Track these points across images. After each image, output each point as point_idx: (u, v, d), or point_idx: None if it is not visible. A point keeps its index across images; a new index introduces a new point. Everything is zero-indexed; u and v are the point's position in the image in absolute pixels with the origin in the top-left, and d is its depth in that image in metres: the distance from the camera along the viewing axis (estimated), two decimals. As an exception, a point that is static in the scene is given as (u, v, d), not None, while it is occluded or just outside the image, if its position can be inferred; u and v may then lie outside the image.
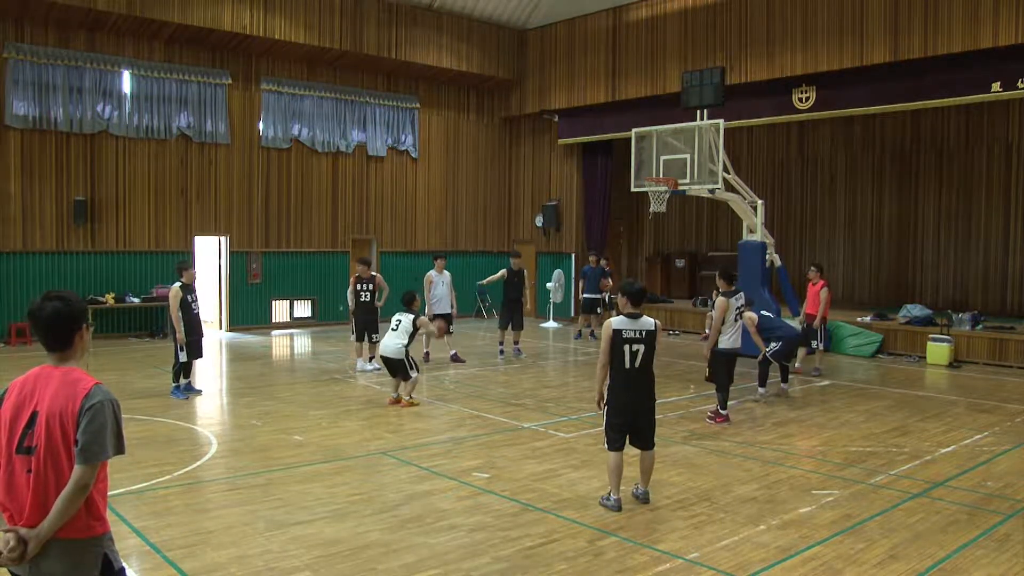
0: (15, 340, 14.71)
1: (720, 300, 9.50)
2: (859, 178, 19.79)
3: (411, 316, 10.19)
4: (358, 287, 12.63)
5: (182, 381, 10.47)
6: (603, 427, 6.41)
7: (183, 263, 10.71)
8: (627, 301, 6.44)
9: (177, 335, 10.23)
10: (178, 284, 10.35)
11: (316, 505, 6.24)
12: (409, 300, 10.43)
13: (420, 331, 10.34)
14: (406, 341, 10.02)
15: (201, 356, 10.86)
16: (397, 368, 10.05)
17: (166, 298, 16.20)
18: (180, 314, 10.23)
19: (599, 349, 6.46)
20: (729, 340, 9.45)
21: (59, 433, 2.91)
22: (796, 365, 12.84)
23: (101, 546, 3.02)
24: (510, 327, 14.34)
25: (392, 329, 10.16)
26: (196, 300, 10.65)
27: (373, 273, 12.85)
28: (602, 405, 6.41)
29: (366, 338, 12.60)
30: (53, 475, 2.92)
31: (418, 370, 10.24)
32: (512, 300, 14.33)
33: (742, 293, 9.89)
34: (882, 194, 19.46)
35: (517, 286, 14.39)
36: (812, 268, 13.18)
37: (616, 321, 6.32)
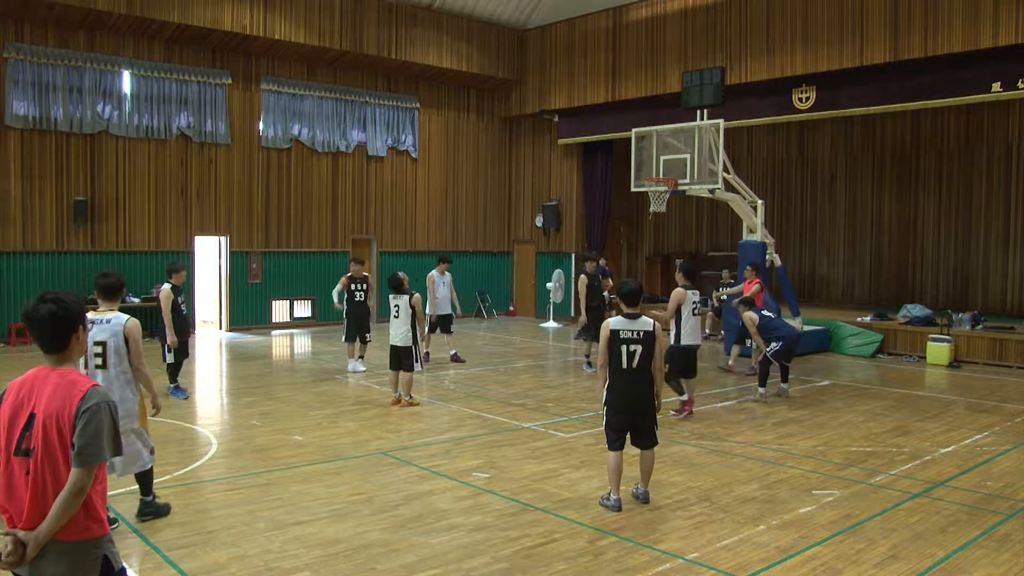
0: (15, 340, 14.72)
1: (677, 290, 9.59)
2: (859, 178, 19.80)
3: (406, 297, 9.98)
4: (352, 287, 12.54)
5: (168, 385, 10.41)
6: (603, 427, 6.40)
7: (173, 264, 10.66)
8: (621, 301, 6.44)
9: (169, 337, 10.15)
10: (169, 285, 10.26)
11: (316, 505, 6.24)
12: (397, 284, 10.10)
13: (416, 311, 9.94)
14: (410, 326, 9.90)
15: (187, 356, 10.79)
16: (403, 357, 9.93)
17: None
18: (172, 315, 10.16)
19: (597, 350, 6.42)
20: (688, 336, 9.55)
21: (56, 435, 2.91)
22: (730, 363, 12.94)
23: (100, 548, 3.02)
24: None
25: (395, 316, 10.02)
26: (184, 301, 10.60)
27: (366, 273, 12.76)
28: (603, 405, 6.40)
29: (359, 339, 12.51)
30: (51, 477, 2.91)
31: (423, 366, 10.17)
32: (593, 308, 12.68)
33: (698, 292, 9.94)
34: (882, 194, 19.47)
35: (597, 291, 12.89)
36: (748, 267, 13.22)
37: (613, 322, 6.30)
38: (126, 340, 5.67)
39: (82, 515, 2.93)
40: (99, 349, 5.65)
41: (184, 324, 10.50)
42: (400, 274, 10.21)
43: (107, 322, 5.70)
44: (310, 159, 18.51)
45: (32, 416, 2.95)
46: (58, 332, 3.03)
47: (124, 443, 5.56)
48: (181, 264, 10.80)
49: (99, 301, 5.87)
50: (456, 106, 21.10)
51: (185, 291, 16.37)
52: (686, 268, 10.00)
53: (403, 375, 10.05)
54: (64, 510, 2.87)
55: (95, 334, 5.66)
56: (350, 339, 12.58)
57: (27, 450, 2.93)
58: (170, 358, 10.29)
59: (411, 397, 10.08)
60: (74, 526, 2.92)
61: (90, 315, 5.67)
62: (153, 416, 5.97)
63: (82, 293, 15.52)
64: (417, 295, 10.02)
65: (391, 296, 10.09)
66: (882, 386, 12.05)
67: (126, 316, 5.75)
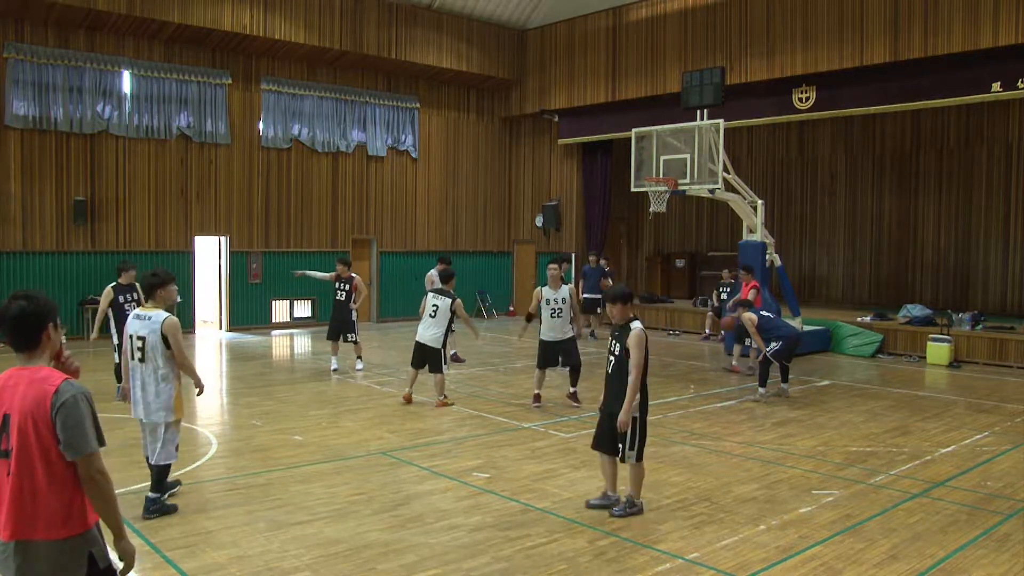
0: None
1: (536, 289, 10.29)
2: (859, 178, 19.80)
3: (448, 300, 9.74)
4: (336, 285, 12.52)
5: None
6: (635, 438, 5.98)
7: (123, 263, 10.33)
8: (630, 307, 6.17)
9: (93, 334, 9.99)
10: (111, 285, 9.90)
11: (316, 505, 6.24)
12: (447, 277, 10.00)
13: (457, 316, 9.78)
14: (444, 329, 9.73)
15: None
16: (430, 358, 9.76)
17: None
18: (110, 312, 9.79)
19: (639, 358, 5.90)
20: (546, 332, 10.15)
21: (32, 434, 2.88)
22: (733, 363, 12.95)
23: (84, 545, 2.99)
24: None
25: (430, 315, 9.78)
26: (131, 301, 9.93)
27: (353, 274, 12.69)
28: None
29: (340, 339, 12.39)
30: (28, 478, 2.88)
31: (448, 366, 10.10)
32: None
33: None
34: (882, 194, 19.47)
35: None
36: (742, 271, 13.15)
37: (642, 326, 6.09)
38: (164, 338, 5.98)
39: (64, 512, 2.91)
40: (140, 344, 6.03)
41: (120, 325, 9.80)
42: (454, 272, 10.30)
43: (148, 319, 6.05)
44: (310, 159, 18.51)
45: (6, 417, 2.92)
46: (29, 329, 3.01)
47: (155, 435, 6.06)
48: (130, 263, 10.36)
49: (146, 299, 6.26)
50: (456, 106, 21.10)
51: (182, 291, 16.57)
52: (559, 260, 11.13)
53: (433, 376, 9.96)
54: (102, 500, 2.93)
55: (137, 329, 6.05)
56: (328, 337, 12.61)
57: (5, 451, 2.91)
58: (116, 357, 9.81)
59: (444, 397, 10.04)
60: (55, 524, 2.90)
61: (136, 311, 6.18)
62: (198, 395, 6.40)
63: (84, 293, 15.55)
64: (460, 301, 9.89)
65: (431, 295, 9.94)
66: (882, 386, 12.05)
67: (165, 315, 6.08)
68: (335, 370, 12.42)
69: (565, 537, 5.63)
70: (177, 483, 6.51)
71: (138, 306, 10.26)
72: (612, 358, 6.09)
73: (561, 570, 5.08)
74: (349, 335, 12.37)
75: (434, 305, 9.82)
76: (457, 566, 5.10)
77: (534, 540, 5.57)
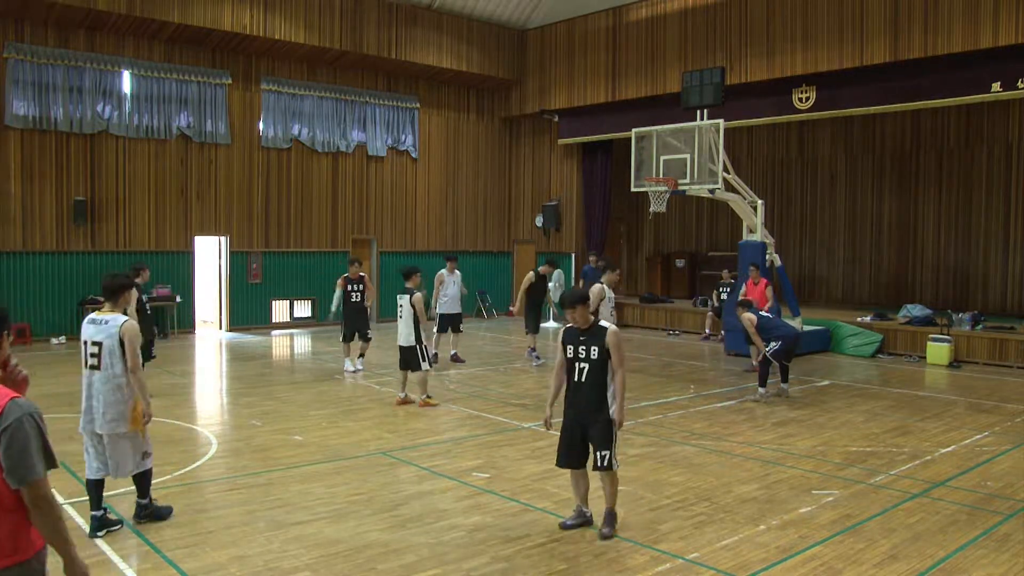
0: (15, 341, 14.71)
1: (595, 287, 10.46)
2: (859, 178, 19.80)
3: (407, 296, 9.88)
4: (348, 287, 12.49)
5: None
6: (615, 443, 5.74)
7: (139, 264, 10.51)
8: (589, 307, 5.82)
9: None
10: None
11: (316, 505, 6.24)
12: (408, 273, 10.07)
13: (417, 310, 9.79)
14: (414, 327, 9.80)
15: (153, 358, 10.60)
16: (409, 358, 9.87)
17: (167, 298, 16.31)
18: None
19: (623, 357, 5.73)
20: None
21: None
22: (754, 363, 12.91)
23: (31, 572, 2.80)
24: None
25: (399, 317, 9.97)
26: (148, 301, 10.31)
27: (362, 274, 12.72)
28: None
29: (356, 338, 12.46)
30: None
31: (430, 364, 10.09)
32: (534, 304, 14.02)
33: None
34: (882, 194, 19.46)
35: (540, 289, 14.12)
36: (752, 267, 13.12)
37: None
38: (121, 342, 5.59)
39: (13, 539, 2.72)
40: (95, 350, 5.61)
41: (148, 325, 10.20)
42: (417, 269, 10.27)
43: (105, 323, 5.63)
44: (310, 159, 18.51)
45: None
46: None
47: (114, 448, 5.60)
48: (143, 264, 10.65)
49: (104, 301, 5.80)
50: (456, 106, 21.10)
51: (183, 291, 16.61)
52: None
53: (414, 375, 9.98)
54: (48, 527, 2.72)
55: (92, 334, 5.63)
56: (346, 339, 12.59)
57: None
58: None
59: (428, 396, 10.04)
60: (6, 550, 2.70)
61: (92, 315, 5.77)
62: (145, 424, 5.75)
63: (84, 293, 15.55)
64: (419, 295, 9.96)
65: (399, 296, 10.04)
66: (882, 386, 12.05)
67: (124, 318, 5.69)
68: (354, 371, 12.36)
69: (565, 537, 5.63)
70: (118, 522, 5.84)
71: (149, 303, 10.39)
72: (584, 364, 5.63)
73: (561, 570, 5.08)
74: (367, 333, 12.52)
75: (400, 306, 9.95)
76: (457, 566, 5.10)
77: (534, 540, 5.57)
